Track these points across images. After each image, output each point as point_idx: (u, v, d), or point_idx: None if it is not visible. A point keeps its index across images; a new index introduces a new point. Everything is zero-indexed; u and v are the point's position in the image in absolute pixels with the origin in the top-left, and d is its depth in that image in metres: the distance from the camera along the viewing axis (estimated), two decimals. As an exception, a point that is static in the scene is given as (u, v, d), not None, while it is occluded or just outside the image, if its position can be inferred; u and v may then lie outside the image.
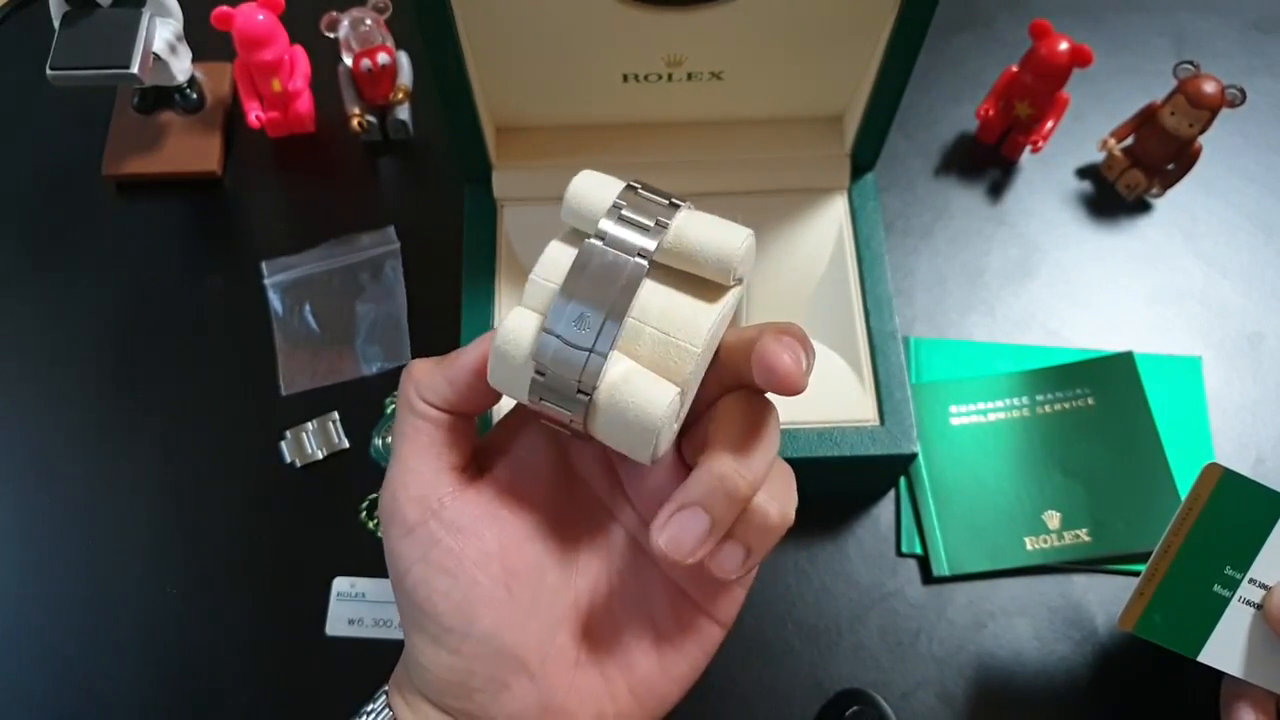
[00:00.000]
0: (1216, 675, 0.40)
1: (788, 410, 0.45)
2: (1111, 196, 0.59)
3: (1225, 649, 0.39)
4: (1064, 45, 0.54)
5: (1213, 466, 0.39)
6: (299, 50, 0.59)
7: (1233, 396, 0.53)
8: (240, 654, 0.48)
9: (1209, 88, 0.52)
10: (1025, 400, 0.52)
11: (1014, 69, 0.57)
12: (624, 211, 0.28)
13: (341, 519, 0.50)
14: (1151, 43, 0.64)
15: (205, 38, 0.57)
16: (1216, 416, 0.52)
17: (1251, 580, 0.39)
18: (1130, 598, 0.40)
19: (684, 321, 0.27)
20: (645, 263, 0.27)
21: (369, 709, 0.33)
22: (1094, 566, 0.49)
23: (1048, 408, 0.52)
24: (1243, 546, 0.39)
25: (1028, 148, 0.58)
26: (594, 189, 0.29)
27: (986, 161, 0.60)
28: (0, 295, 0.57)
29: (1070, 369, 0.53)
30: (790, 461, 0.44)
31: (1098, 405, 0.52)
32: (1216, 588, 0.39)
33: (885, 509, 0.51)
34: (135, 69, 0.50)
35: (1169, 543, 0.39)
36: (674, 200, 0.28)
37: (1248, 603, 0.39)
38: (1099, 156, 0.60)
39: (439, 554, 0.29)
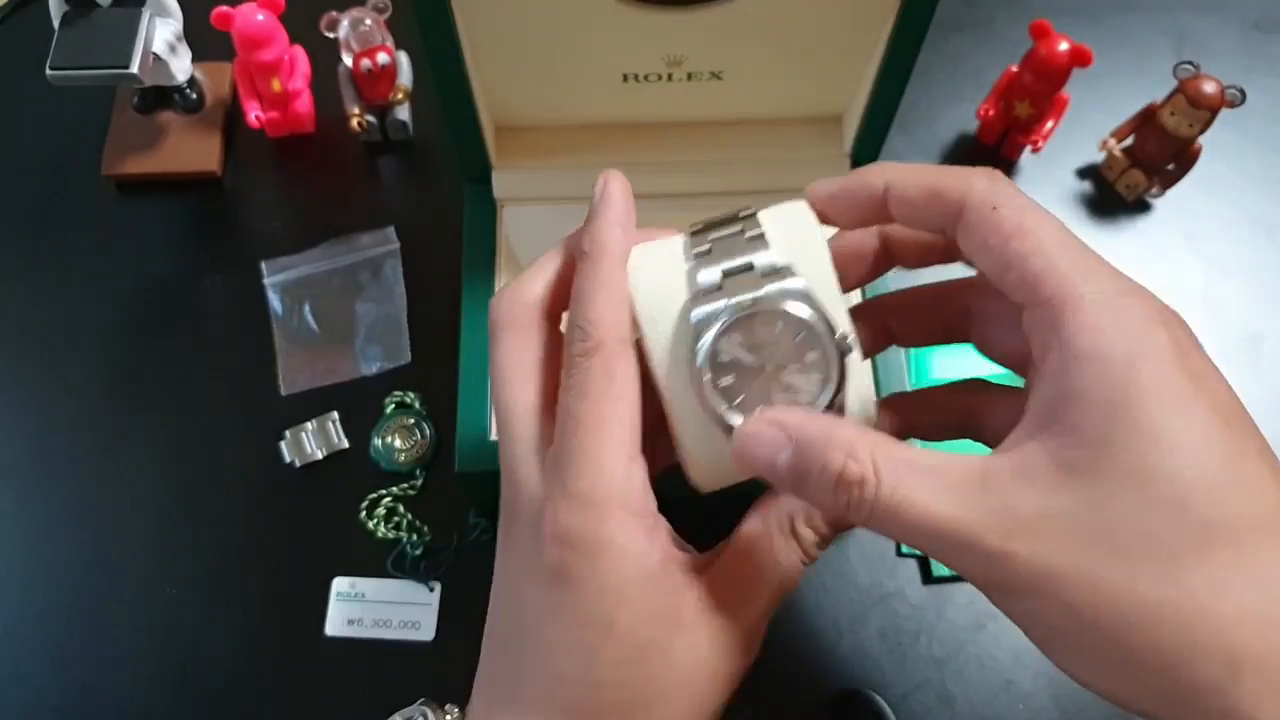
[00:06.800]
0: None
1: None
2: (1111, 197, 0.59)
3: None
4: (1064, 45, 0.54)
5: None
6: (299, 50, 0.59)
7: (1233, 396, 0.53)
8: (240, 654, 0.48)
9: (1209, 88, 0.52)
10: (1025, 400, 0.52)
11: (1014, 69, 0.57)
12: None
13: (341, 519, 0.50)
14: (1151, 43, 0.64)
15: (205, 38, 0.57)
16: (1216, 416, 0.52)
17: None
18: None
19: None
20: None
21: None
22: (1094, 566, 0.49)
23: (1048, 408, 0.52)
24: None
25: (1028, 148, 0.58)
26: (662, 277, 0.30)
27: (986, 161, 0.60)
28: (0, 294, 0.57)
29: (1070, 369, 0.53)
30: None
31: (1098, 405, 0.52)
32: None
33: (885, 509, 0.50)
34: (135, 69, 0.50)
35: None
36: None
37: None
38: (1099, 157, 0.60)
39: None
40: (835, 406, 0.28)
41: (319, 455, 0.52)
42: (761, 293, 0.28)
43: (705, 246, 0.29)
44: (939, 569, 0.48)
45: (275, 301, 0.55)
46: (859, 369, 0.29)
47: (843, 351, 0.28)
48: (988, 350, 0.31)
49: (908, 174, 0.29)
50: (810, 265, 0.29)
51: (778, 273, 0.29)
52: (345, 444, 0.52)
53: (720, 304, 0.28)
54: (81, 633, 0.48)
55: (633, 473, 0.27)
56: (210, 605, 0.49)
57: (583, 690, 0.27)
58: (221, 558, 0.50)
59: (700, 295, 0.29)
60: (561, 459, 0.27)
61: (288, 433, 0.52)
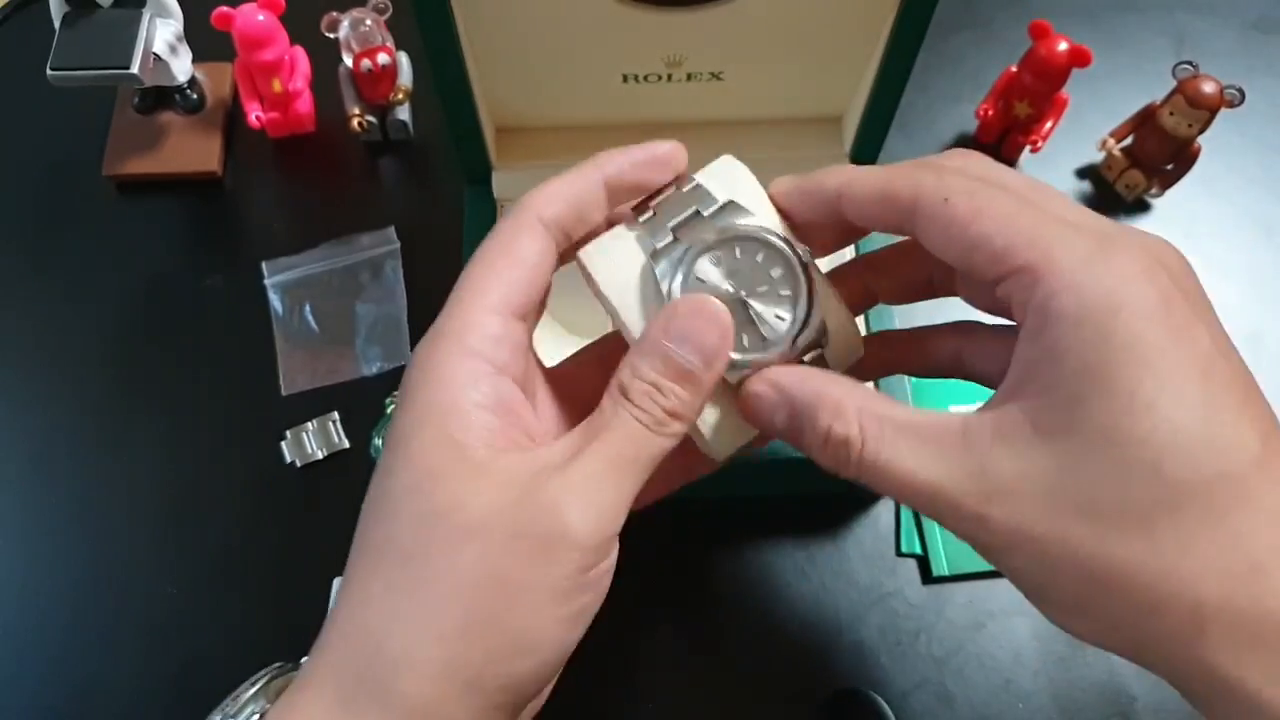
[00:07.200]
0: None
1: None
2: (1111, 196, 0.59)
3: None
4: (1063, 45, 0.54)
5: None
6: (299, 50, 0.59)
7: (1232, 396, 0.53)
8: (240, 654, 0.48)
9: (1208, 88, 0.53)
10: (1025, 400, 0.52)
11: (1013, 69, 0.57)
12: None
13: (341, 519, 0.50)
14: (1151, 43, 0.64)
15: (205, 38, 0.57)
16: (1216, 416, 0.52)
17: None
18: None
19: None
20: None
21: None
22: (1093, 566, 0.49)
23: (1047, 407, 0.52)
24: None
25: (1027, 148, 0.58)
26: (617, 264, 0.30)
27: (986, 162, 0.60)
28: (0, 295, 0.57)
29: (1070, 369, 0.53)
30: (790, 461, 0.45)
31: (1097, 405, 0.52)
32: None
33: (885, 509, 0.51)
34: (135, 69, 0.50)
35: None
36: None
37: None
38: (1098, 156, 0.60)
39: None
40: (811, 318, 0.29)
41: (320, 455, 0.52)
42: (714, 229, 0.30)
43: (649, 214, 0.31)
44: (939, 568, 0.49)
45: (276, 302, 0.55)
46: (823, 283, 0.31)
47: (805, 263, 0.30)
48: (976, 301, 0.32)
49: (860, 178, 0.30)
50: (752, 202, 0.31)
51: (725, 210, 0.30)
52: (346, 444, 0.52)
53: (680, 250, 0.30)
54: (81, 633, 0.48)
55: (489, 322, 0.27)
56: (210, 605, 0.49)
57: (371, 517, 0.28)
58: (221, 558, 0.50)
59: (658, 253, 0.30)
60: (446, 305, 0.28)
61: (288, 433, 0.52)
